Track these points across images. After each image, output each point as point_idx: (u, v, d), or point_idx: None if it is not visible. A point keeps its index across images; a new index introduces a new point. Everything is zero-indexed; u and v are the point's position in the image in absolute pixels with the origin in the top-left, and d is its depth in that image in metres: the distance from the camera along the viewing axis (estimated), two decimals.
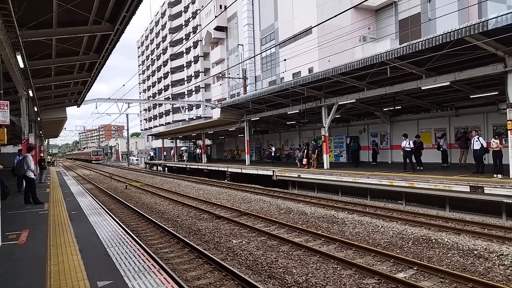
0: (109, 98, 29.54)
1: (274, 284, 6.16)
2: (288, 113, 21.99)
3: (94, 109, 28.63)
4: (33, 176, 11.02)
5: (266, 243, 8.58)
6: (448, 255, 7.30)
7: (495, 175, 12.02)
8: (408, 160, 15.78)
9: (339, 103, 18.26)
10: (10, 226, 7.89)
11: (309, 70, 32.65)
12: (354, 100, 17.52)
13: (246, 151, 27.29)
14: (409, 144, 15.68)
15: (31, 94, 14.54)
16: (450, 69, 13.15)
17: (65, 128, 52.75)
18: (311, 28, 29.86)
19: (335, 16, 10.20)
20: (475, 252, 7.29)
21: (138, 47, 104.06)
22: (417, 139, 16.61)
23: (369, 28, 34.95)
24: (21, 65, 10.05)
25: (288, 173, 19.10)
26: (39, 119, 23.06)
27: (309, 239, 8.94)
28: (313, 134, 27.14)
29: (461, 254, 7.30)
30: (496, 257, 6.94)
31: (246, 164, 26.38)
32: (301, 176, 18.00)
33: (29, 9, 8.29)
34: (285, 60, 32.75)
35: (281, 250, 8.01)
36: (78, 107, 26.15)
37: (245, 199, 15.46)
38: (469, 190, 10.74)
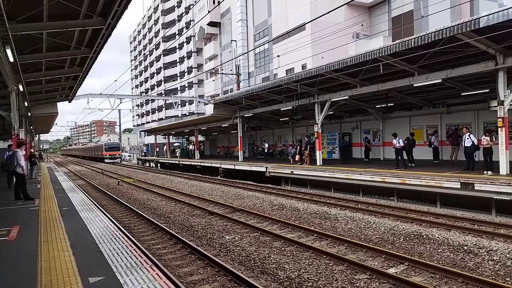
0: (101, 93, 29.19)
1: (266, 279, 6.18)
2: (281, 109, 22.00)
3: (85, 104, 28.28)
4: (22, 172, 10.89)
5: (259, 239, 8.60)
6: (439, 250, 7.38)
7: (485, 172, 12.17)
8: (400, 158, 15.90)
9: (332, 100, 18.30)
10: (0, 222, 7.80)
11: (302, 66, 32.66)
12: (347, 97, 17.58)
13: (239, 147, 27.29)
14: (399, 142, 15.83)
15: (21, 89, 14.33)
16: (442, 67, 13.25)
17: (56, 124, 52.22)
18: (305, 25, 29.84)
19: (328, 12, 10.22)
20: (465, 247, 7.38)
21: (131, 42, 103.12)
22: (410, 136, 16.80)
23: (362, 25, 35.00)
24: (11, 59, 9.88)
25: (281, 169, 19.13)
26: (29, 114, 22.75)
27: (301, 235, 8.97)
28: (306, 131, 27.19)
29: (451, 249, 7.38)
30: (485, 253, 7.04)
31: (239, 160, 26.37)
32: (294, 172, 18.04)
33: (19, 2, 8.15)
34: (278, 56, 32.74)
35: (273, 246, 8.03)
36: (69, 102, 25.83)
37: (238, 196, 15.47)
38: (459, 187, 10.86)
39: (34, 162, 19.93)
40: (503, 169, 11.65)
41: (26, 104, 18.37)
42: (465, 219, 9.86)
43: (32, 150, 28.07)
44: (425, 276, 6.10)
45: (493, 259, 6.73)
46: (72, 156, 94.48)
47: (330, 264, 6.74)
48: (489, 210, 10.92)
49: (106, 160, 52.99)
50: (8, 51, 9.26)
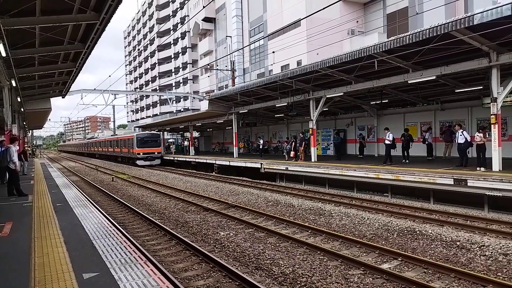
0: (95, 89, 29.03)
1: (261, 275, 6.20)
2: (276, 105, 21.98)
3: (79, 100, 27.74)
4: (15, 168, 10.80)
5: (253, 235, 8.62)
6: (432, 246, 7.45)
7: (478, 168, 12.26)
8: (388, 154, 15.90)
9: (327, 96, 18.32)
10: None
11: (297, 62, 32.61)
12: (342, 93, 17.59)
13: (234, 143, 27.26)
14: (388, 137, 15.84)
15: (14, 84, 14.20)
16: (436, 64, 13.29)
17: (49, 119, 51.74)
18: (300, 21, 29.77)
19: (323, 8, 10.21)
20: (458, 243, 7.45)
21: (125, 38, 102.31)
22: (405, 132, 16.84)
23: (357, 21, 35.01)
24: (3, 54, 9.78)
25: (276, 165, 19.15)
26: (22, 109, 22.56)
27: (296, 231, 9.01)
28: (301, 127, 27.21)
29: (444, 245, 7.45)
30: (478, 248, 7.11)
31: (234, 156, 26.35)
32: (288, 168, 18.07)
33: None
34: (273, 52, 32.68)
35: (268, 242, 8.06)
36: (63, 98, 25.65)
37: (233, 192, 15.47)
38: (452, 183, 10.95)
39: (20, 158, 19.47)
40: (496, 165, 11.74)
41: (19, 99, 18.22)
42: (458, 215, 9.96)
43: (26, 145, 27.73)
44: (418, 272, 6.16)
45: (485, 255, 6.80)
46: (73, 153, 76.67)
47: (324, 260, 6.78)
48: (481, 206, 11.03)
49: (138, 162, 33.07)
50: (0, 46, 9.16)
